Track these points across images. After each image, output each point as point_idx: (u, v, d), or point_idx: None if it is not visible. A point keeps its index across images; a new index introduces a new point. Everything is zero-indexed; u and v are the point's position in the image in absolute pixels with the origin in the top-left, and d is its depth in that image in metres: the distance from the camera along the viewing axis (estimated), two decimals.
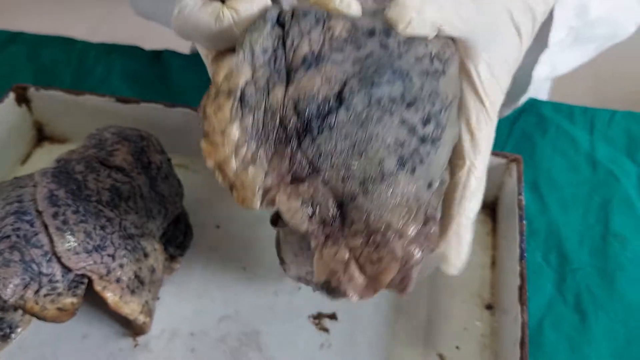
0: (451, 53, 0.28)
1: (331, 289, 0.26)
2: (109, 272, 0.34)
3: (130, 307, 0.34)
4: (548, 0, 0.32)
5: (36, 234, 0.33)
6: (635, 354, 0.38)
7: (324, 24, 0.26)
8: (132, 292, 0.34)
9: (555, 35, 0.41)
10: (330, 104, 0.25)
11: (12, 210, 0.33)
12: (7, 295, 0.31)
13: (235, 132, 0.25)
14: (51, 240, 0.33)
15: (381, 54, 0.26)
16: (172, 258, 0.40)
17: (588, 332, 0.39)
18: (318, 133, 0.25)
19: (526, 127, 0.52)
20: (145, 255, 0.36)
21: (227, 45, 0.27)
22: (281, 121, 0.25)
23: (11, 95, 0.48)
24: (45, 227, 0.33)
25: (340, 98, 0.25)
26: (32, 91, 0.48)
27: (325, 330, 0.39)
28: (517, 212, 0.40)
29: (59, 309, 0.32)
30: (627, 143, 0.51)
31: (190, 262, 0.42)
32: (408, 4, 0.27)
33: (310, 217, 0.25)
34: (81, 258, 0.33)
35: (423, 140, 0.27)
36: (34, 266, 0.32)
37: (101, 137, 0.40)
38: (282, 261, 0.34)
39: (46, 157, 0.50)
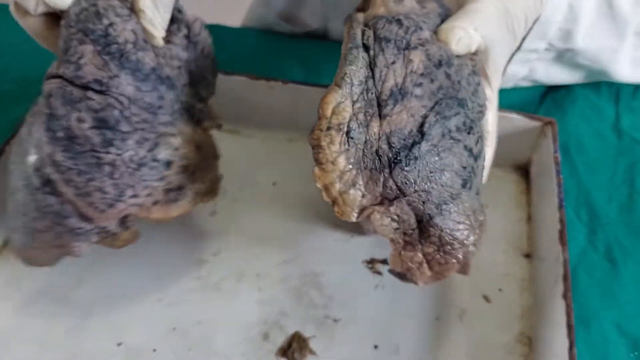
0: (479, 63, 0.34)
1: (402, 276, 0.33)
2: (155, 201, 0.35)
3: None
4: (539, 9, 0.38)
5: None
6: None
7: (404, 55, 0.32)
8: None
9: (531, 43, 0.48)
10: (415, 137, 0.31)
11: None
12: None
13: (342, 162, 0.30)
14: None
15: (447, 85, 0.32)
16: (203, 100, 0.39)
17: (618, 277, 0.43)
18: (406, 164, 0.31)
19: (557, 97, 0.55)
20: (169, 163, 0.35)
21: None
22: (376, 152, 0.31)
23: None
24: None
25: (421, 131, 0.31)
26: None
27: (379, 273, 0.42)
28: (553, 167, 0.43)
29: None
30: None
31: (251, 215, 0.45)
32: (456, 25, 0.33)
33: (395, 229, 0.32)
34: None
35: (476, 158, 0.33)
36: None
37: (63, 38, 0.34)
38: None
39: None
